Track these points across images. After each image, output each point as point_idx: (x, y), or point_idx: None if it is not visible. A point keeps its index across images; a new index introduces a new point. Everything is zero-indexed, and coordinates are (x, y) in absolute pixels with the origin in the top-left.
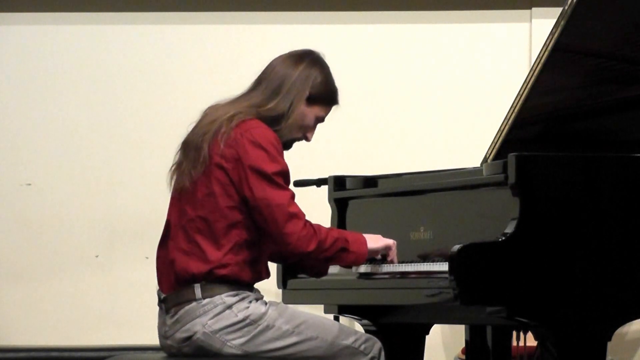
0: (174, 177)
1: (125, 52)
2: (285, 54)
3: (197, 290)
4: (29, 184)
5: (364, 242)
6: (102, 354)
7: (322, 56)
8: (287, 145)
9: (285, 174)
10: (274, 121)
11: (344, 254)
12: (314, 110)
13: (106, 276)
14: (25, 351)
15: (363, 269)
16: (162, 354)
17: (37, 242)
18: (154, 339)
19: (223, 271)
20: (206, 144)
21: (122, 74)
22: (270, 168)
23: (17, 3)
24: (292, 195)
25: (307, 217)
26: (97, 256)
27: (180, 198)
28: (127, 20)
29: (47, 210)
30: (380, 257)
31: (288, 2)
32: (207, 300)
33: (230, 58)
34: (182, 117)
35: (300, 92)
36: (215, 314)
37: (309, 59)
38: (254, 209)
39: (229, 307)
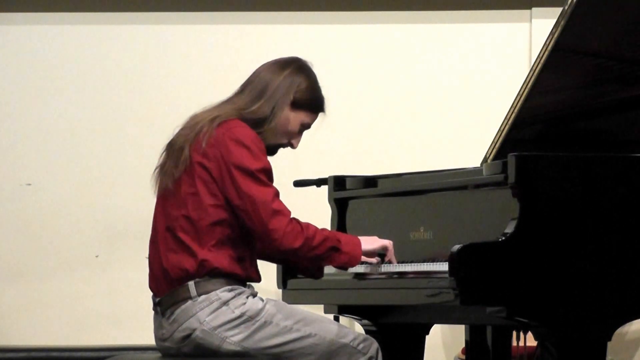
0: (158, 179)
1: (125, 52)
2: (272, 61)
3: (192, 288)
4: (29, 184)
5: (358, 244)
6: (102, 354)
7: (309, 64)
8: (272, 151)
9: (268, 171)
10: (256, 124)
11: (336, 254)
12: (299, 116)
13: (106, 276)
14: (25, 351)
15: (362, 269)
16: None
17: (37, 242)
18: (153, 339)
19: (213, 264)
20: (187, 145)
21: (122, 74)
22: (254, 165)
23: (17, 3)
24: (276, 193)
25: (307, 218)
26: (97, 256)
27: (164, 199)
28: (127, 20)
29: (47, 210)
30: (378, 257)
31: (288, 2)
32: (202, 297)
33: (229, 58)
34: (182, 117)
35: (284, 96)
36: (212, 311)
37: (294, 66)
38: (238, 206)
39: (225, 303)
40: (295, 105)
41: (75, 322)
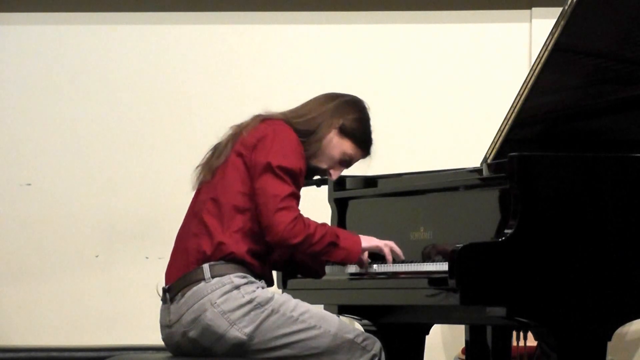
0: (200, 174)
1: (125, 52)
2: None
3: (206, 270)
4: (29, 184)
5: (358, 241)
6: (102, 354)
7: (367, 104)
8: (308, 175)
9: (292, 172)
10: (300, 135)
11: (334, 250)
12: (344, 144)
13: (106, 276)
14: (25, 351)
15: (357, 268)
16: (162, 354)
17: (37, 242)
18: (154, 339)
19: (230, 248)
20: (231, 139)
21: (123, 74)
22: (281, 162)
23: (17, 3)
24: (292, 193)
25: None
26: (97, 256)
27: (197, 192)
28: (127, 20)
29: (47, 210)
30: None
31: (288, 2)
32: (215, 279)
33: (230, 58)
34: (183, 116)
35: (333, 117)
36: (223, 293)
37: (350, 97)
38: (253, 195)
39: (237, 287)
40: (343, 131)
41: (75, 322)
